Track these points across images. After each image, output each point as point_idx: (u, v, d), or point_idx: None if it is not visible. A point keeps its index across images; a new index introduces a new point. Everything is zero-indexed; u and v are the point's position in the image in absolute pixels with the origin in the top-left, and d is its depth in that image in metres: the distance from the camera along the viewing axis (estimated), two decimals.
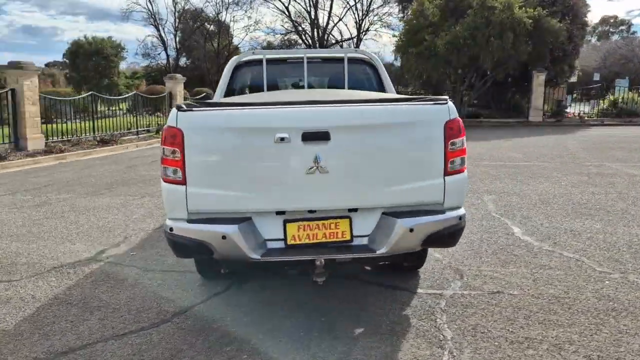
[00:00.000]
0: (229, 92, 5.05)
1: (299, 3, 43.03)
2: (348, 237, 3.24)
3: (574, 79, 27.88)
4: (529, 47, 21.58)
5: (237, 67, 5.13)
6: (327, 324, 3.49)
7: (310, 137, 3.05)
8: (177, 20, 44.98)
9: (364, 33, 43.17)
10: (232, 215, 3.16)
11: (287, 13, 42.65)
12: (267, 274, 4.36)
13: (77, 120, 16.29)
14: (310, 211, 3.24)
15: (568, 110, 25.55)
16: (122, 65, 42.28)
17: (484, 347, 3.14)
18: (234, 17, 57.42)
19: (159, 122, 18.86)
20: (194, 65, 44.86)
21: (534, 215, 6.31)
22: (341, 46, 41.92)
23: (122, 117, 18.60)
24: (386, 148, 3.15)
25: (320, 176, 3.10)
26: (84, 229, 6.02)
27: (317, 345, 3.21)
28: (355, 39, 43.18)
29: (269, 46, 42.32)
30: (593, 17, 64.18)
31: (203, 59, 43.56)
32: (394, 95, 4.52)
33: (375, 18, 42.88)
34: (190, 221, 3.15)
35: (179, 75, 21.56)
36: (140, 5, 47.79)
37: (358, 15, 42.79)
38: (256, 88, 5.06)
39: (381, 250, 3.16)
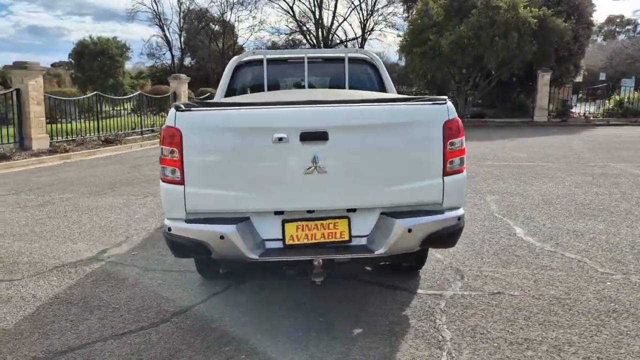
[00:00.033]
0: (230, 92, 5.05)
1: (303, 3, 43.00)
2: (346, 238, 3.24)
3: (579, 79, 27.75)
4: (533, 46, 21.49)
5: (238, 67, 5.13)
6: (325, 324, 3.49)
7: (309, 137, 3.05)
8: (182, 20, 45.14)
9: (368, 33, 43.20)
10: (230, 215, 3.16)
11: (291, 13, 42.76)
12: (266, 274, 4.36)
13: (82, 120, 16.35)
14: (309, 211, 3.24)
15: (573, 110, 25.43)
16: (128, 66, 42.47)
17: (483, 348, 3.12)
18: (238, 17, 57.43)
19: (163, 122, 18.86)
20: (198, 65, 44.99)
21: (537, 215, 6.28)
22: (345, 46, 41.92)
23: (126, 117, 18.64)
24: (385, 148, 3.14)
25: (318, 176, 3.09)
26: (86, 229, 6.04)
27: (316, 345, 3.20)
28: (359, 39, 43.17)
29: (274, 46, 42.38)
30: (599, 17, 63.71)
31: (208, 59, 43.66)
32: (392, 95, 4.50)
33: (380, 18, 42.94)
34: (188, 221, 3.15)
35: (183, 75, 21.61)
36: (145, 5, 48.08)
37: (362, 15, 42.84)
38: (257, 88, 5.07)
39: (380, 251, 3.15)
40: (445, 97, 3.26)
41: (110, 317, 3.66)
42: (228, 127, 3.11)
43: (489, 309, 3.66)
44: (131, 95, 22.18)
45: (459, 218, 3.26)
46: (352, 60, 5.07)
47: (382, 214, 3.24)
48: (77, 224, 6.28)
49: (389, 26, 44.09)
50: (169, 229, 3.17)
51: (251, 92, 5.19)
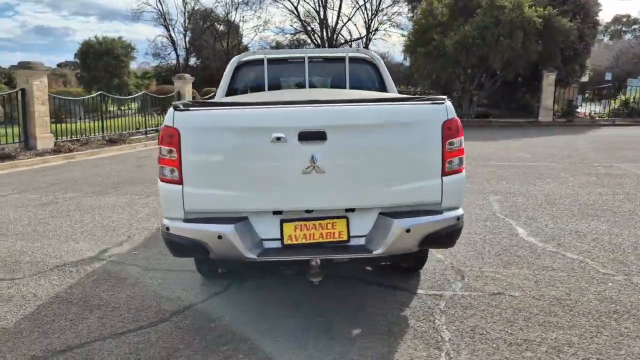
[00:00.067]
0: (230, 92, 5.05)
1: (308, 3, 42.98)
2: (345, 238, 3.23)
3: (585, 79, 27.63)
4: (539, 46, 21.41)
5: (239, 67, 5.13)
6: (324, 324, 3.48)
7: (307, 136, 3.04)
8: (187, 20, 45.22)
9: (373, 33, 43.13)
10: (228, 215, 3.16)
11: (296, 13, 42.76)
12: (266, 274, 4.36)
13: (87, 120, 16.41)
14: (307, 211, 3.23)
15: (579, 110, 25.31)
16: (133, 65, 42.62)
17: (482, 349, 3.11)
18: (243, 17, 57.77)
19: None
20: (203, 65, 45.03)
21: (540, 216, 6.26)
22: (350, 46, 41.88)
23: (131, 117, 18.70)
24: (383, 148, 3.13)
25: (316, 176, 3.09)
26: (88, 228, 6.06)
27: (314, 345, 3.20)
28: (364, 39, 43.13)
29: (278, 46, 42.39)
30: (605, 16, 63.46)
31: (213, 58, 43.71)
32: (391, 94, 4.49)
33: (385, 18, 42.86)
34: (186, 221, 3.15)
35: (187, 75, 21.65)
36: (150, 5, 48.22)
37: (367, 15, 42.77)
38: (257, 88, 5.06)
39: (378, 251, 3.15)
40: (444, 96, 3.25)
41: (109, 317, 3.66)
42: (226, 126, 3.11)
43: (488, 310, 3.65)
44: (135, 95, 22.26)
45: (458, 218, 3.25)
46: (352, 59, 5.07)
47: (380, 214, 3.23)
48: (80, 223, 6.30)
49: (394, 26, 43.86)
50: (168, 228, 3.17)
51: (251, 92, 5.19)
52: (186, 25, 45.31)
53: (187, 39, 45.47)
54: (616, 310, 3.61)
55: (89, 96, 17.95)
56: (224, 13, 45.48)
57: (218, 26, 45.65)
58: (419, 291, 4.01)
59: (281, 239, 3.21)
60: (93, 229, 6.00)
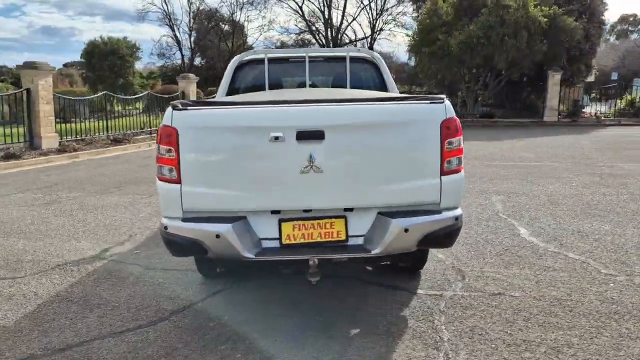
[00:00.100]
0: (231, 92, 5.05)
1: (312, 3, 42.96)
2: (343, 237, 3.23)
3: (591, 79, 27.49)
4: (544, 46, 21.33)
5: (239, 67, 5.14)
6: (323, 323, 3.48)
7: (305, 136, 3.04)
8: (192, 20, 45.34)
9: (377, 33, 43.08)
10: (226, 214, 3.17)
11: (300, 13, 42.75)
12: (266, 273, 4.36)
13: (92, 120, 16.48)
14: (306, 210, 3.23)
15: (585, 110, 25.20)
16: (139, 65, 42.69)
17: (480, 349, 3.10)
18: (248, 17, 57.66)
19: None
20: (208, 64, 45.13)
21: (542, 216, 6.23)
22: (355, 45, 41.84)
23: (135, 117, 18.76)
24: (382, 147, 3.12)
25: (315, 175, 3.08)
26: (90, 227, 6.08)
27: (312, 344, 3.19)
28: (369, 39, 43.08)
29: (282, 46, 42.40)
30: (611, 16, 63.04)
31: (217, 58, 43.78)
32: (391, 94, 4.49)
33: (389, 18, 42.76)
34: (184, 220, 3.16)
35: (191, 75, 21.70)
36: (155, 5, 48.29)
37: (372, 14, 42.72)
38: (258, 87, 5.06)
39: (376, 251, 3.14)
40: (443, 96, 3.23)
41: (109, 315, 3.67)
42: (224, 126, 3.12)
43: (488, 310, 3.63)
44: (140, 95, 22.32)
45: (457, 218, 3.24)
46: (353, 59, 5.06)
47: (379, 213, 3.22)
48: (82, 222, 6.32)
49: (399, 26, 43.98)
50: (166, 227, 3.18)
51: (252, 92, 5.20)
52: (191, 25, 45.44)
53: (192, 38, 45.61)
54: (617, 311, 3.59)
55: (93, 96, 18.02)
56: (228, 13, 45.63)
57: (223, 26, 45.74)
58: (419, 291, 4.00)
59: (279, 238, 3.21)
60: (95, 228, 6.03)
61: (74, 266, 4.73)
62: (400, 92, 5.28)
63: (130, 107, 20.47)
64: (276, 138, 3.04)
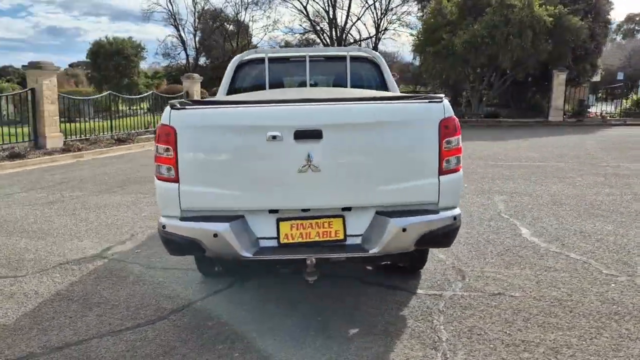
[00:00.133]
0: (232, 91, 5.06)
1: (317, 2, 42.90)
2: (341, 237, 3.22)
3: (597, 78, 27.32)
4: (549, 45, 21.23)
5: (240, 66, 5.14)
6: (322, 323, 3.47)
7: (303, 135, 3.04)
8: (196, 20, 45.38)
9: (382, 32, 43.00)
10: (224, 213, 3.17)
11: (305, 12, 42.72)
12: (266, 273, 4.36)
13: (97, 120, 16.55)
14: (304, 210, 3.23)
15: (591, 109, 25.07)
16: (144, 65, 42.86)
17: (479, 350, 3.09)
18: (253, 17, 57.70)
19: None
20: (213, 64, 45.15)
21: (545, 216, 6.20)
22: (359, 45, 41.79)
23: (139, 117, 18.82)
24: (380, 147, 3.12)
25: (312, 174, 3.08)
26: (92, 226, 6.10)
27: (311, 344, 3.19)
28: (373, 38, 43.03)
29: (287, 45, 42.40)
30: (618, 15, 62.68)
31: (222, 58, 43.81)
32: (389, 93, 4.48)
33: (394, 17, 42.68)
34: (182, 219, 3.16)
35: (196, 75, 21.76)
36: (160, 5, 48.40)
37: (377, 14, 42.65)
38: (258, 87, 5.06)
39: (374, 250, 3.13)
40: (442, 95, 3.22)
41: (108, 314, 3.68)
42: (222, 125, 3.12)
43: (487, 310, 3.62)
44: (144, 94, 22.39)
45: (455, 218, 3.23)
46: (353, 58, 5.05)
47: (377, 213, 3.21)
48: (85, 221, 6.35)
49: (403, 25, 43.73)
50: (164, 226, 3.19)
51: (252, 91, 5.20)
52: (196, 25, 45.50)
53: (197, 38, 45.67)
54: (617, 311, 3.56)
55: (97, 96, 18.09)
56: (233, 13, 45.62)
57: (228, 26, 45.77)
58: (419, 291, 3.99)
59: (277, 237, 3.21)
60: (97, 227, 6.04)
61: (75, 265, 4.74)
62: (405, 92, 5.27)
63: (134, 107, 20.53)
64: (274, 137, 3.04)
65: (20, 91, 14.19)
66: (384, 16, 42.37)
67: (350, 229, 3.23)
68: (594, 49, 23.71)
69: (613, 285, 4.04)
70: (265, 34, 61.48)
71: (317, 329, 3.38)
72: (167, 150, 3.12)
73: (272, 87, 5.00)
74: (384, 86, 5.03)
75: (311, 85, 5.14)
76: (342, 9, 44.57)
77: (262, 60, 5.02)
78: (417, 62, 30.33)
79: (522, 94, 26.06)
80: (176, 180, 3.14)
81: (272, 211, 3.23)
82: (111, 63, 35.16)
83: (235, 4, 50.88)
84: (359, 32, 45.82)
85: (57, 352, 3.16)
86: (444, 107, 3.16)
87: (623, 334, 3.24)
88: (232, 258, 3.19)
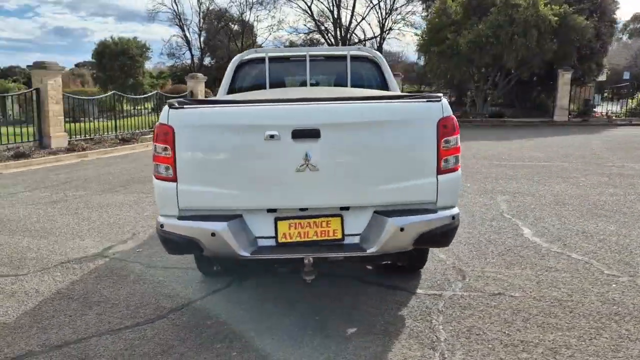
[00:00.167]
0: (232, 91, 5.06)
1: (322, 2, 42.96)
2: (339, 236, 3.22)
3: (602, 78, 27.18)
4: (554, 45, 21.13)
5: (240, 66, 5.14)
6: (320, 322, 3.47)
7: (301, 134, 3.04)
8: (201, 20, 45.43)
9: (387, 32, 42.94)
10: (222, 212, 3.17)
11: (309, 12, 42.72)
12: (264, 272, 4.36)
13: (101, 119, 16.60)
14: (302, 209, 3.23)
15: (596, 109, 24.91)
16: (149, 65, 42.92)
17: (477, 350, 3.07)
18: (257, 16, 57.77)
19: None
20: (218, 64, 45.18)
21: (547, 216, 6.17)
22: (364, 45, 41.75)
23: (144, 116, 18.87)
24: (378, 146, 3.11)
25: (310, 174, 3.08)
26: (94, 226, 6.12)
27: (309, 343, 3.19)
28: (378, 38, 42.97)
29: (292, 45, 42.41)
30: (624, 15, 62.27)
31: (227, 58, 43.86)
32: (388, 92, 4.47)
33: (399, 17, 42.61)
34: (180, 218, 3.17)
35: (200, 75, 21.77)
36: (165, 5, 48.49)
37: (381, 14, 42.60)
38: (258, 86, 5.06)
39: (372, 250, 3.13)
40: (441, 94, 3.21)
41: (108, 313, 3.70)
42: (220, 124, 3.12)
43: (487, 310, 3.60)
44: (148, 94, 22.45)
45: (453, 217, 3.22)
46: (354, 58, 5.04)
47: (375, 212, 3.21)
48: (87, 220, 6.37)
49: (408, 25, 43.65)
50: (162, 225, 3.19)
51: (252, 91, 5.20)
52: (201, 25, 45.56)
53: (201, 38, 45.71)
54: (618, 312, 3.54)
55: (102, 95, 18.15)
56: (238, 13, 45.62)
57: (232, 26, 45.81)
58: (419, 291, 3.98)
59: (275, 237, 3.21)
60: (99, 227, 6.07)
61: (76, 264, 4.76)
62: (409, 92, 5.26)
63: (139, 107, 20.58)
64: (272, 136, 3.04)
65: (25, 91, 14.26)
66: (388, 16, 42.32)
67: (349, 228, 3.23)
68: (600, 49, 23.58)
69: (614, 285, 4.02)
70: (270, 33, 61.41)
71: (315, 328, 3.38)
72: (165, 149, 3.13)
73: (272, 86, 5.00)
74: (384, 85, 5.02)
75: (311, 85, 5.14)
76: (347, 9, 44.48)
77: (262, 59, 5.03)
78: (421, 62, 30.29)
79: (527, 94, 25.94)
80: (174, 179, 3.14)
81: (270, 210, 3.23)
82: (116, 63, 35.24)
83: (240, 3, 51.09)
84: (363, 31, 45.78)
85: (56, 351, 3.17)
86: (442, 106, 3.15)
87: (623, 334, 3.23)
88: (230, 257, 3.19)
